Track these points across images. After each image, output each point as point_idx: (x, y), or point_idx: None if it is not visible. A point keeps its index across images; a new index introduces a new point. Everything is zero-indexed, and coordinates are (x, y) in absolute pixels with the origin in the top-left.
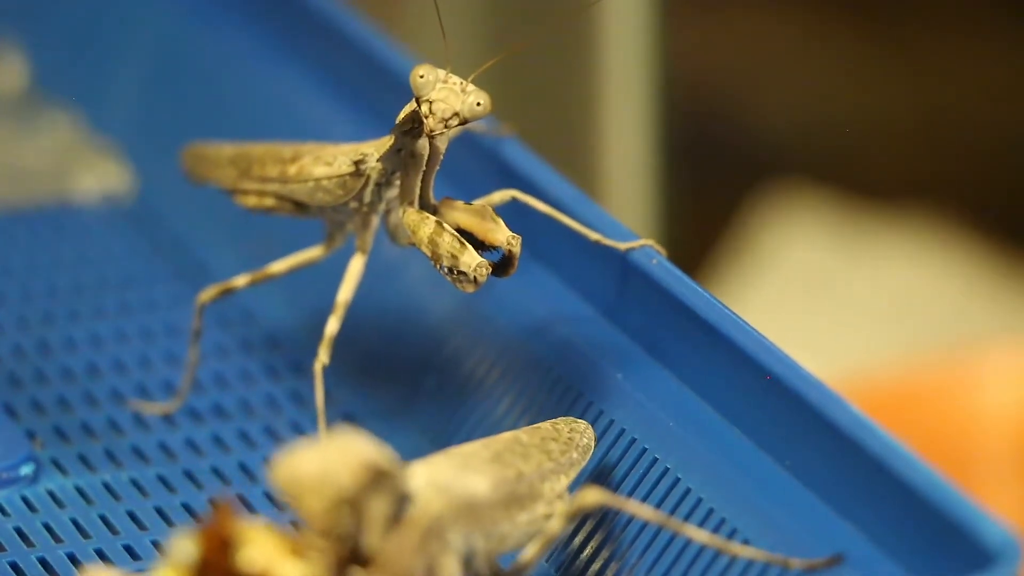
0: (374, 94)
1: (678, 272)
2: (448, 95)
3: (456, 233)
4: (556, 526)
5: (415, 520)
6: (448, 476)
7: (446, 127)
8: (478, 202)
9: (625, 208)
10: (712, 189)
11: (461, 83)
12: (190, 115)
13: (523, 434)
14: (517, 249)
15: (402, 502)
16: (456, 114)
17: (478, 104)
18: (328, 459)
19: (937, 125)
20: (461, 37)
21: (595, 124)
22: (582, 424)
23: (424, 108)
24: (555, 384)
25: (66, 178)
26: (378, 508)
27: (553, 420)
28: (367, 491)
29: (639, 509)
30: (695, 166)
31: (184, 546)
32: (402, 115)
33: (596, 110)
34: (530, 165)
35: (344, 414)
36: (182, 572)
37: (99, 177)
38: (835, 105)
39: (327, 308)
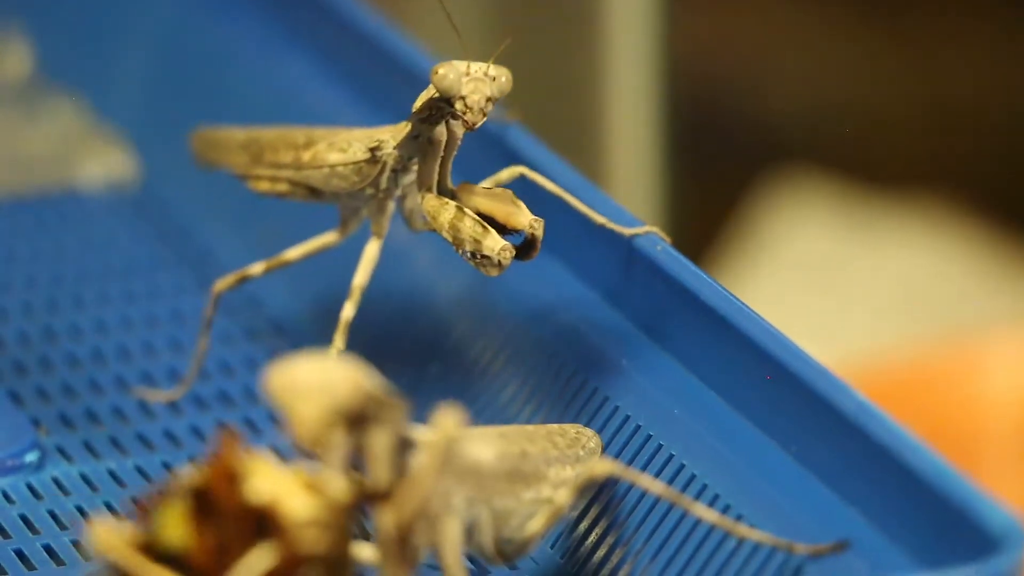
0: (378, 81)
1: (683, 259)
2: (478, 85)
3: (478, 217)
4: (564, 499)
5: (428, 453)
6: (454, 435)
7: (484, 115)
8: (487, 181)
9: (630, 194)
10: (717, 175)
11: (484, 69)
12: (195, 102)
13: (530, 426)
14: (540, 232)
15: (405, 444)
16: (489, 99)
17: (504, 80)
18: (328, 370)
19: (942, 111)
20: (466, 20)
21: (600, 110)
22: (589, 431)
23: (459, 105)
24: (560, 370)
25: (70, 165)
26: (379, 440)
27: (562, 424)
28: (365, 417)
29: (649, 483)
30: (700, 152)
31: (190, 477)
32: (419, 102)
33: (601, 96)
34: (535, 151)
35: None
36: (188, 503)
37: (103, 164)
38: (840, 92)
39: (332, 295)
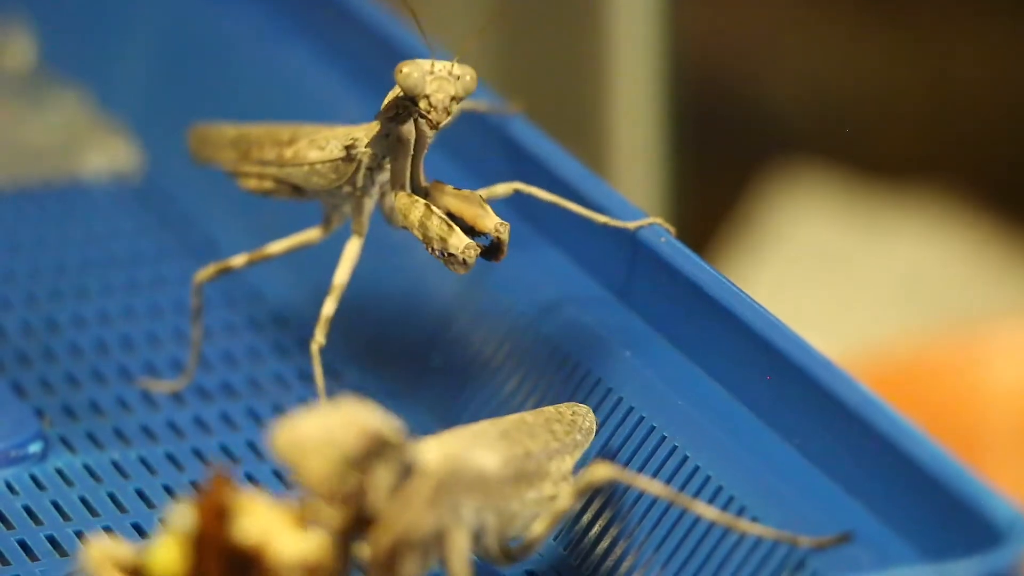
0: (381, 73)
1: (686, 250)
2: (441, 84)
3: (445, 216)
4: (565, 502)
5: (424, 479)
6: (458, 450)
7: (448, 114)
8: (481, 192)
9: (633, 186)
10: (720, 167)
11: (448, 68)
12: (197, 93)
13: (528, 415)
14: (505, 236)
15: (407, 471)
16: (453, 98)
17: (468, 79)
18: (330, 423)
19: (945, 103)
20: (470, 11)
21: (603, 102)
22: (584, 408)
23: (423, 104)
24: (563, 362)
25: (74, 156)
26: (383, 475)
27: (556, 405)
28: (371, 457)
29: (648, 484)
30: (703, 144)
31: (182, 516)
32: (386, 101)
33: (604, 88)
34: (538, 143)
35: (352, 391)
36: (181, 542)
37: (107, 155)
38: (844, 83)
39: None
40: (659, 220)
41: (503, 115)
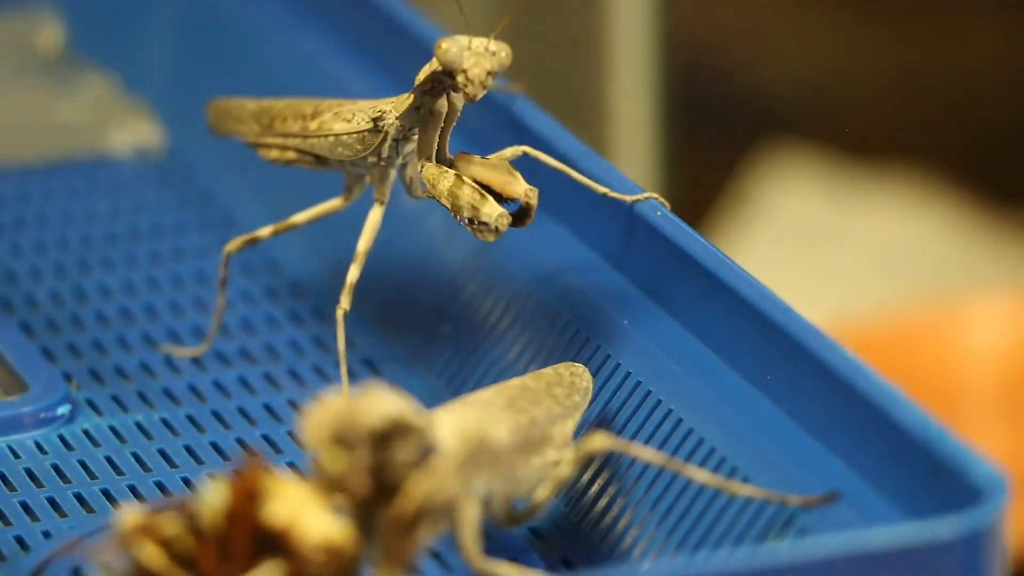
0: (393, 54)
1: (681, 223)
2: (478, 60)
3: (476, 185)
4: (566, 470)
5: (444, 457)
6: (472, 427)
7: (485, 88)
8: (492, 157)
9: (631, 163)
10: (713, 146)
11: (485, 44)
12: (217, 75)
13: (529, 380)
14: (535, 201)
15: (427, 452)
16: (490, 73)
17: (504, 55)
18: (354, 411)
19: (921, 88)
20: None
21: (602, 83)
22: (580, 367)
23: (460, 78)
24: (564, 329)
25: (100, 134)
26: (403, 458)
27: (554, 366)
28: (393, 443)
29: (643, 452)
30: (697, 124)
31: (215, 494)
32: (422, 75)
33: (603, 69)
34: (540, 121)
35: (364, 359)
36: (218, 509)
37: (131, 133)
38: (828, 69)
39: (348, 257)
40: (655, 195)
41: (507, 94)
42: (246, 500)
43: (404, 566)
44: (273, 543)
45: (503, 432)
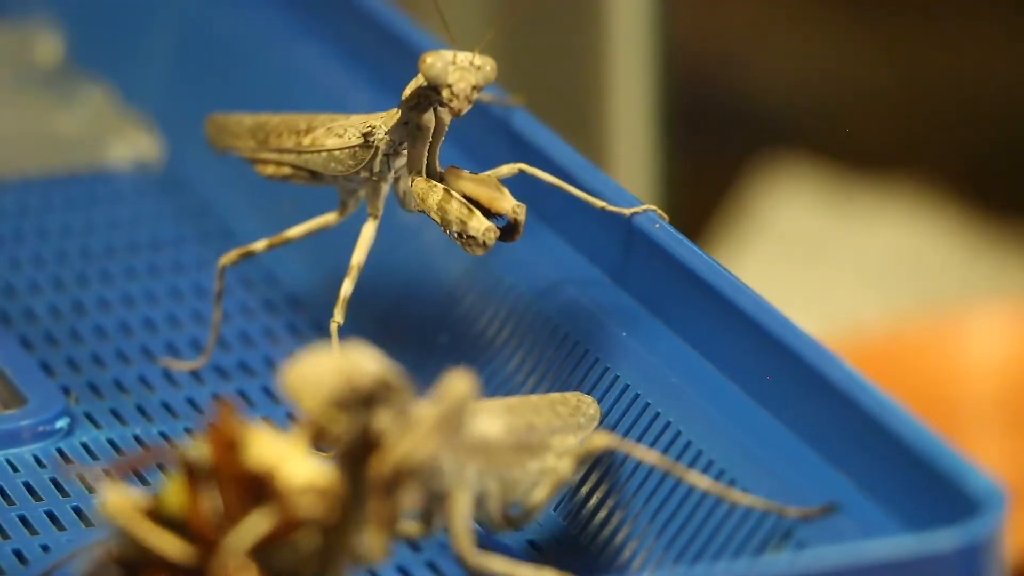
0: (392, 67)
1: (680, 236)
2: (463, 74)
3: (464, 200)
4: (566, 469)
5: (425, 413)
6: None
7: (470, 103)
8: (487, 173)
9: (629, 175)
10: (711, 157)
11: (469, 58)
12: (217, 87)
13: (534, 396)
14: (522, 217)
15: (408, 412)
16: (475, 87)
17: (489, 69)
18: (336, 361)
19: (920, 98)
20: (469, 4)
21: (601, 95)
22: (589, 398)
23: (445, 93)
24: (563, 342)
25: (99, 147)
26: (386, 419)
27: (563, 393)
28: (373, 398)
29: (644, 453)
30: (695, 136)
31: (195, 450)
32: (408, 91)
33: (602, 82)
34: (539, 134)
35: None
36: (191, 479)
37: (130, 146)
38: (827, 80)
39: (345, 271)
40: (653, 207)
41: (506, 107)
42: (226, 450)
43: (388, 527)
44: (260, 493)
45: (496, 427)
